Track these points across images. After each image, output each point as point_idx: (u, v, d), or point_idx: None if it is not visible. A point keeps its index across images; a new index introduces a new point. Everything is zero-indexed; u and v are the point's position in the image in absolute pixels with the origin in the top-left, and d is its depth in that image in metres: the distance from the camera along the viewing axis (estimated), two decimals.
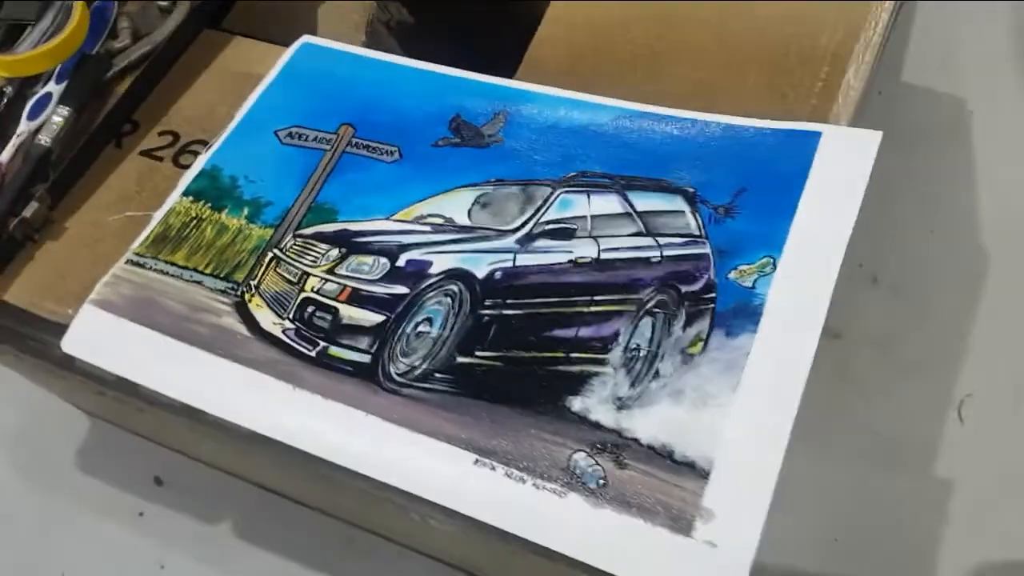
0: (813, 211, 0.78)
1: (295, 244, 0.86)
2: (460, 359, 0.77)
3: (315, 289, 0.82)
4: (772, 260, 0.76)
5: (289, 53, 1.00)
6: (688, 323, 0.75)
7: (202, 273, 0.85)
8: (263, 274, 0.85)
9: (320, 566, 1.17)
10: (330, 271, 0.83)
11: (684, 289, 0.77)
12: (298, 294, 0.82)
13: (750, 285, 0.75)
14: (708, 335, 0.74)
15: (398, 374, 0.78)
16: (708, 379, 0.72)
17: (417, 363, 0.78)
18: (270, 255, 0.85)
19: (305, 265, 0.84)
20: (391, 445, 0.73)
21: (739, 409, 0.70)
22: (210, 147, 0.93)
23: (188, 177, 0.91)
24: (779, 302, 0.74)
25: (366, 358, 0.78)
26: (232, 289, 0.84)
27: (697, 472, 0.68)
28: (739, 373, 0.71)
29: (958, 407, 1.17)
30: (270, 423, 0.75)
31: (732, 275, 0.76)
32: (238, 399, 0.77)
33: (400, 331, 0.79)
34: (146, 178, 0.94)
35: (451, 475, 0.72)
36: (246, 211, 0.88)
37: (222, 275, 0.85)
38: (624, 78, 0.93)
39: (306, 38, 1.01)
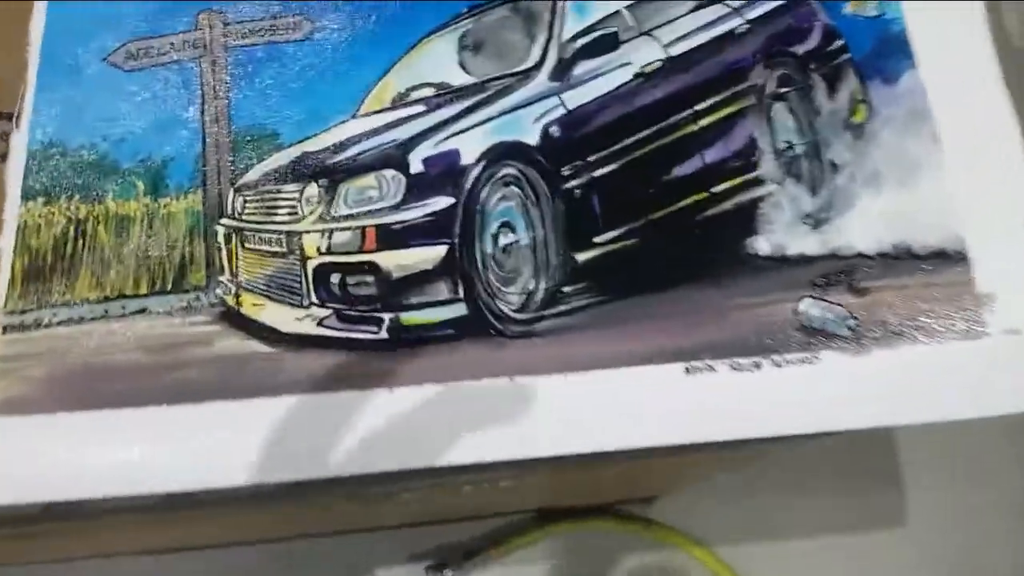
0: None
1: (248, 200, 0.56)
2: (581, 256, 0.55)
3: (323, 249, 0.54)
4: None
5: None
6: (832, 89, 0.57)
7: (136, 296, 0.53)
8: (232, 260, 0.55)
9: None
10: (325, 216, 0.55)
11: (801, 50, 0.58)
12: (303, 265, 0.54)
13: (876, 13, 0.58)
14: (865, 92, 0.56)
15: (515, 310, 0.54)
16: (898, 143, 0.55)
17: (530, 286, 0.54)
18: (222, 230, 0.56)
19: (284, 223, 0.55)
20: (570, 405, 0.51)
21: (954, 160, 0.54)
22: (18, 117, 0.58)
23: (16, 171, 0.56)
24: (922, 15, 0.57)
25: (460, 309, 0.53)
26: (197, 300, 0.54)
27: (952, 258, 0.52)
28: (930, 120, 0.55)
29: None
30: (401, 454, 0.49)
31: (848, 9, 0.58)
32: (317, 442, 0.50)
33: (479, 255, 0.54)
34: None
35: (666, 402, 0.51)
36: (140, 185, 0.56)
37: (169, 287, 0.54)
38: None
39: None
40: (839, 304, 0.52)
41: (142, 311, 0.53)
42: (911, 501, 1.01)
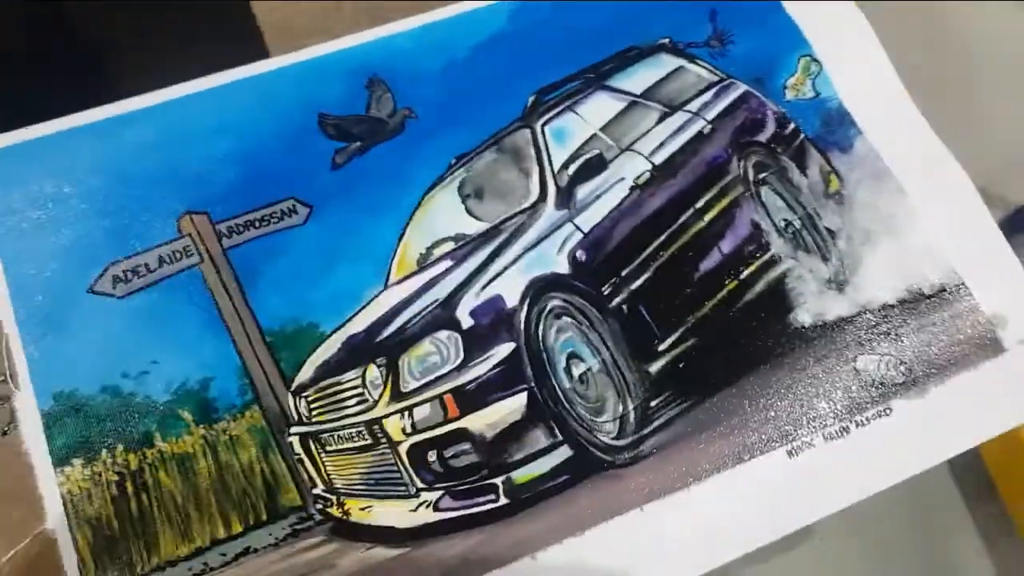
0: None
1: (312, 401, 0.52)
2: (652, 367, 0.55)
3: (408, 429, 0.51)
4: (809, 55, 0.65)
5: None
6: (801, 166, 0.63)
7: (232, 538, 0.47)
8: (319, 468, 0.50)
9: None
10: (396, 396, 0.52)
11: (762, 137, 0.64)
12: (395, 452, 0.51)
13: (813, 94, 0.65)
14: (830, 164, 0.63)
15: (615, 438, 0.53)
16: (874, 201, 0.61)
17: (620, 409, 0.54)
18: (296, 440, 0.51)
19: (356, 414, 0.52)
20: (701, 516, 0.51)
21: (924, 201, 0.61)
22: (11, 376, 0.50)
23: (34, 437, 0.48)
24: (851, 85, 0.65)
25: (565, 452, 0.52)
26: (300, 522, 0.48)
27: (954, 291, 0.59)
28: (889, 175, 0.62)
29: None
30: None
31: (789, 95, 0.64)
32: None
33: (560, 392, 0.53)
34: None
35: (778, 488, 0.52)
36: (187, 415, 0.50)
37: (264, 517, 0.48)
38: None
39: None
40: (890, 354, 0.57)
41: (245, 552, 0.47)
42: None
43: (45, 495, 0.47)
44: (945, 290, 0.59)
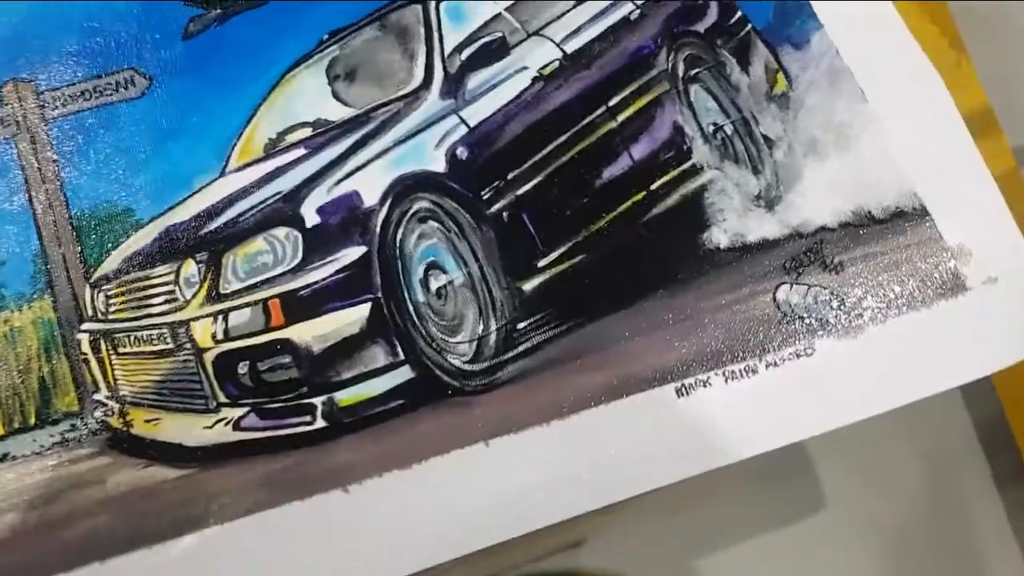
0: None
1: (112, 296, 0.45)
2: (527, 285, 0.47)
3: (219, 336, 0.44)
4: None
5: None
6: (744, 62, 0.53)
7: None
8: (107, 372, 0.43)
9: None
10: (213, 297, 0.44)
11: (701, 27, 0.54)
12: (199, 360, 0.43)
13: None
14: (779, 61, 0.53)
15: (468, 362, 0.45)
16: (825, 107, 0.51)
17: (479, 330, 0.46)
18: (86, 338, 0.44)
19: (164, 313, 0.44)
20: (557, 460, 0.43)
21: (886, 113, 0.51)
22: None
23: None
24: None
25: (406, 372, 0.44)
26: (72, 430, 0.41)
27: (913, 216, 0.49)
28: (851, 78, 0.52)
29: None
30: (372, 568, 0.39)
31: None
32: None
33: (411, 306, 0.45)
34: None
35: (665, 424, 0.44)
36: None
37: (33, 421, 0.41)
38: None
39: None
40: (819, 286, 0.48)
41: (2, 458, 0.40)
42: (825, 485, 0.99)
43: None
44: (901, 214, 0.49)
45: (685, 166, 0.50)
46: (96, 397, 0.43)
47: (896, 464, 1.00)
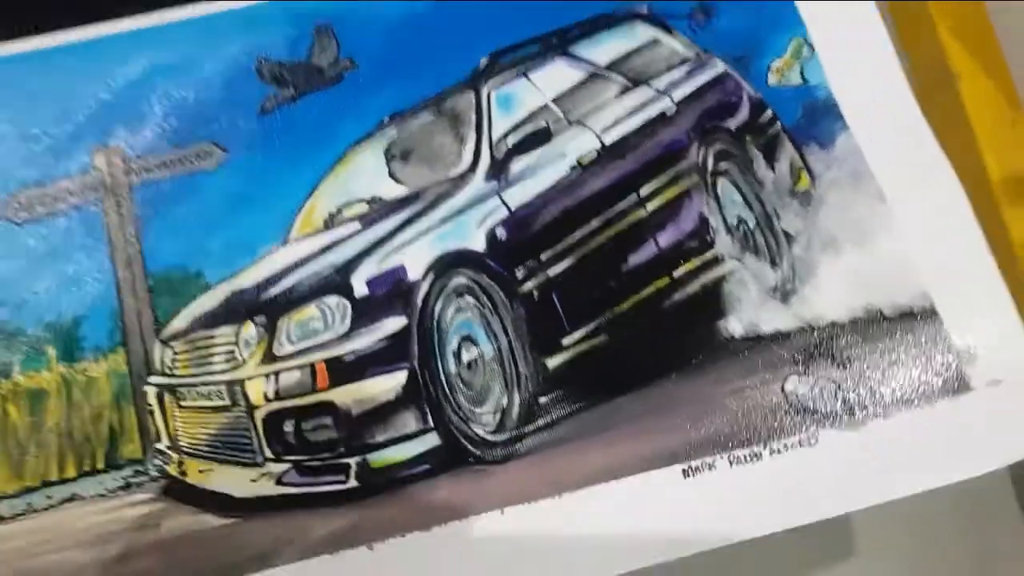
0: None
1: (178, 352, 0.50)
2: (551, 361, 0.51)
3: (270, 395, 0.49)
4: (802, 39, 0.58)
5: None
6: (771, 159, 0.56)
7: (62, 482, 0.46)
8: (168, 423, 0.48)
9: None
10: (268, 358, 0.50)
11: (733, 124, 0.58)
12: (251, 417, 0.48)
13: (799, 81, 0.58)
14: (804, 159, 0.56)
15: (492, 432, 0.49)
16: (846, 206, 0.54)
17: (503, 402, 0.50)
18: (152, 391, 0.49)
19: (223, 371, 0.50)
20: (566, 532, 0.46)
21: (903, 216, 0.54)
22: None
23: None
24: (844, 77, 0.57)
25: (432, 440, 0.48)
26: (135, 476, 0.47)
27: (923, 316, 0.52)
28: (872, 180, 0.55)
29: None
30: None
31: (773, 80, 0.58)
32: None
33: (443, 377, 0.50)
34: None
35: (668, 507, 0.47)
36: (51, 351, 0.49)
37: (100, 465, 0.47)
38: None
39: None
40: (824, 377, 0.51)
41: (71, 499, 0.46)
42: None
43: None
44: (912, 313, 0.52)
45: (707, 256, 0.54)
46: (157, 446, 0.48)
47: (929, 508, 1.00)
